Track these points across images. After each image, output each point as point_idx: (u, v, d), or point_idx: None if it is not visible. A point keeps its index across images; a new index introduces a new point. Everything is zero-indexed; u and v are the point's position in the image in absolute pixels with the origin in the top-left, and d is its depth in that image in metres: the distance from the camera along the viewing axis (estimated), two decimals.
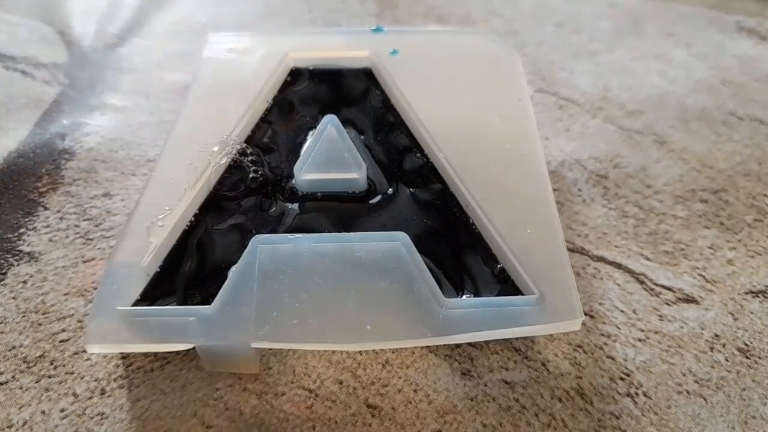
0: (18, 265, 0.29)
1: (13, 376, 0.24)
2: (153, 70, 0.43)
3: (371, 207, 0.27)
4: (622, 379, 0.24)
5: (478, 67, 0.34)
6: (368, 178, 0.28)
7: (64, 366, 0.24)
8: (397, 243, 0.24)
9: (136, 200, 0.26)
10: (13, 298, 0.27)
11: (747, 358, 0.25)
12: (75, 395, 0.23)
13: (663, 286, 0.28)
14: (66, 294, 0.27)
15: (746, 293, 0.28)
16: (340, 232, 0.26)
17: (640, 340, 0.26)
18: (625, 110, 0.39)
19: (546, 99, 0.40)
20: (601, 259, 0.29)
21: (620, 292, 0.28)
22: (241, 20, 0.49)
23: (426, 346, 0.25)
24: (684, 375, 0.24)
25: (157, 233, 0.25)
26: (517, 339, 0.25)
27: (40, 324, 0.26)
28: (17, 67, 0.42)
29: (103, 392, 0.24)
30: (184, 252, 0.25)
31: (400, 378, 0.24)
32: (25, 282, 0.28)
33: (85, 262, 0.29)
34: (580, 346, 0.25)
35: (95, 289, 0.27)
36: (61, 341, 0.25)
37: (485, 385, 0.24)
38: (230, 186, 0.28)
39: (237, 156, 0.29)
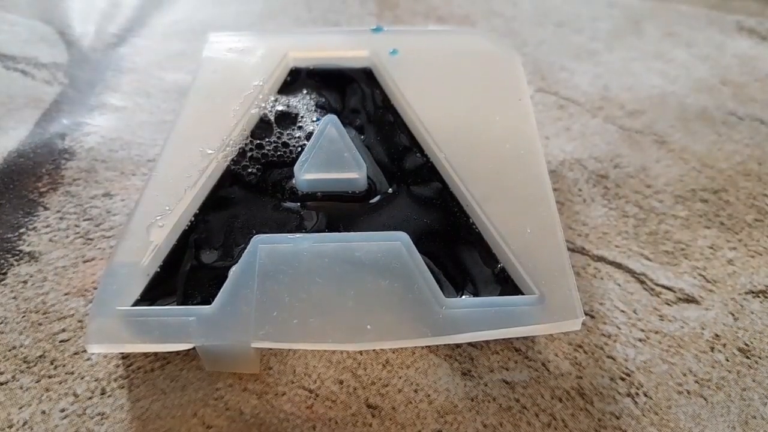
0: (18, 265, 0.29)
1: (14, 376, 0.24)
2: (153, 70, 0.43)
3: (371, 207, 0.27)
4: (622, 379, 0.24)
5: (478, 67, 0.34)
6: (368, 177, 0.28)
7: (64, 366, 0.24)
8: (397, 243, 0.24)
9: (136, 200, 0.26)
10: (14, 298, 0.27)
11: (747, 358, 0.25)
12: (75, 395, 0.23)
13: (663, 286, 0.28)
14: (66, 294, 0.27)
15: (746, 293, 0.28)
16: (340, 231, 0.26)
17: (640, 340, 0.26)
18: (625, 110, 0.39)
19: (546, 99, 0.40)
20: (601, 259, 0.29)
21: (620, 292, 0.28)
22: (241, 20, 0.49)
23: (426, 346, 0.25)
24: (684, 375, 0.24)
25: (157, 233, 0.25)
26: (517, 339, 0.25)
27: (40, 324, 0.26)
28: (17, 66, 0.42)
29: (103, 392, 0.24)
30: (184, 252, 0.25)
31: (400, 378, 0.24)
32: (25, 282, 0.28)
33: (85, 262, 0.29)
34: (580, 346, 0.25)
35: (95, 289, 0.27)
36: (61, 341, 0.25)
37: (486, 385, 0.24)
38: (230, 186, 0.28)
39: (237, 156, 0.29)
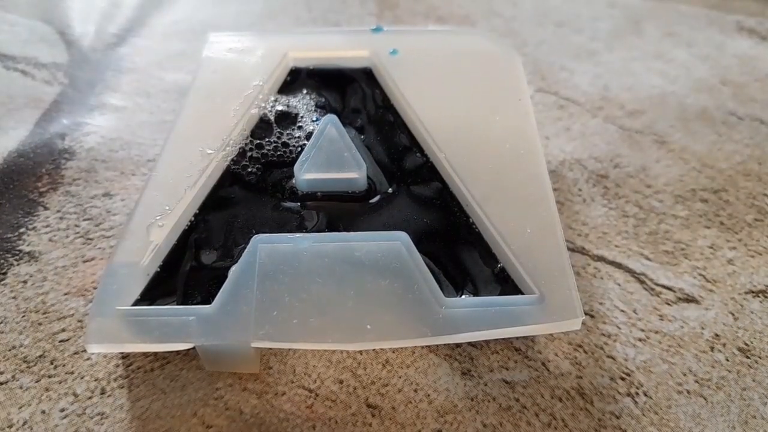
0: (18, 264, 0.29)
1: (14, 376, 0.24)
2: (153, 70, 0.43)
3: (371, 207, 0.27)
4: (622, 378, 0.24)
5: (478, 67, 0.34)
6: (368, 177, 0.28)
7: (64, 366, 0.24)
8: (397, 243, 0.24)
9: (136, 200, 0.26)
10: (13, 297, 0.27)
11: (747, 357, 0.25)
12: (75, 395, 0.23)
13: (663, 286, 0.28)
14: (66, 294, 0.27)
15: (746, 293, 0.28)
16: (340, 231, 0.26)
17: (640, 339, 0.26)
18: (625, 110, 0.39)
19: (546, 99, 0.40)
20: (601, 258, 0.29)
21: (620, 291, 0.28)
22: (241, 20, 0.49)
23: (426, 346, 0.25)
24: (684, 375, 0.24)
25: (157, 233, 0.25)
26: (517, 339, 0.25)
27: (40, 324, 0.26)
28: (17, 66, 0.42)
29: (103, 392, 0.24)
30: (184, 252, 0.25)
31: (400, 378, 0.24)
32: (25, 282, 0.28)
33: (85, 261, 0.29)
34: (580, 346, 0.25)
35: (95, 288, 0.27)
36: (61, 341, 0.25)
37: (485, 385, 0.24)
38: (230, 186, 0.28)
39: (237, 156, 0.29)
